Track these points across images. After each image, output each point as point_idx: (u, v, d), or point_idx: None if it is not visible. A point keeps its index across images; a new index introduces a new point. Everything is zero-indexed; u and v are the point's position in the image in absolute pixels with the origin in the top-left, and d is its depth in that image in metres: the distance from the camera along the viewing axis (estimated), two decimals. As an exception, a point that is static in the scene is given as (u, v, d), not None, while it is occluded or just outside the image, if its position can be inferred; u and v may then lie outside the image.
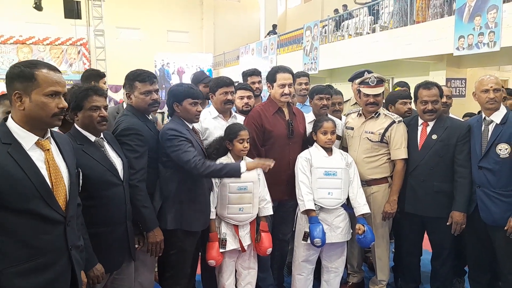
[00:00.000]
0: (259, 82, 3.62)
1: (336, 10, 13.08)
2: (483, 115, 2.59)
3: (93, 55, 16.49)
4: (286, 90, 2.80)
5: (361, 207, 2.72)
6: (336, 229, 2.73)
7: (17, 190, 1.35)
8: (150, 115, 2.45)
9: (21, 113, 1.42)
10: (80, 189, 1.70)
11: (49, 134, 1.51)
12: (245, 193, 2.58)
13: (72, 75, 15.80)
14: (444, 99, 2.87)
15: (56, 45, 16.90)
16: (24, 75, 1.41)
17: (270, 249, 2.65)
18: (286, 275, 3.24)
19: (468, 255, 2.82)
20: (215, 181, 2.56)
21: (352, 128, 3.00)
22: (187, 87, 2.47)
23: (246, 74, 3.65)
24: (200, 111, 2.48)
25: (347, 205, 2.80)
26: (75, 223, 1.59)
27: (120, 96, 11.76)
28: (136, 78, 2.31)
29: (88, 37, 17.01)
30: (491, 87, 2.49)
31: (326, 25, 11.25)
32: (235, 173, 2.29)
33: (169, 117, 2.56)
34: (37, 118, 1.43)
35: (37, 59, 1.91)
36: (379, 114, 2.91)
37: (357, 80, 3.01)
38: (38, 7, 13.00)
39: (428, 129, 2.77)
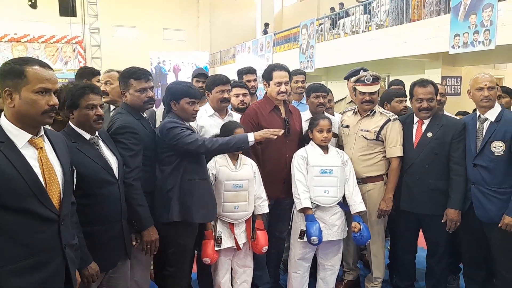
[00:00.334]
0: (255, 80, 3.61)
1: (332, 8, 13.09)
2: (478, 113, 2.60)
3: (88, 53, 16.43)
4: (283, 88, 2.79)
5: (357, 205, 2.72)
6: (332, 227, 2.73)
7: (10, 189, 1.34)
8: (145, 113, 2.44)
9: (11, 111, 1.41)
10: (74, 188, 1.68)
11: (42, 132, 1.50)
12: (241, 191, 2.58)
13: (67, 73, 15.74)
14: (438, 97, 2.87)
15: (51, 43, 16.82)
16: (14, 72, 1.40)
17: (266, 247, 2.65)
18: (282, 273, 3.25)
19: (463, 253, 2.84)
20: (210, 179, 2.55)
21: (348, 126, 3.01)
22: (185, 86, 2.46)
23: (241, 72, 3.64)
24: (197, 111, 2.47)
25: (343, 203, 2.80)
26: (70, 222, 1.58)
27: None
28: (131, 75, 2.30)
29: (83, 35, 16.95)
30: (486, 85, 2.50)
31: (322, 23, 11.25)
32: (243, 143, 2.31)
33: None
34: (27, 116, 1.42)
35: (32, 57, 1.89)
36: (375, 112, 2.91)
37: (353, 78, 3.01)
38: (33, 5, 12.92)
39: (424, 127, 2.78)
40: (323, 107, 3.12)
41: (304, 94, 3.74)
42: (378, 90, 2.92)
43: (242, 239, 2.63)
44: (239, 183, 2.58)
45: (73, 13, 13.78)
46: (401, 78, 4.18)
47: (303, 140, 2.94)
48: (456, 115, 3.54)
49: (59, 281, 1.51)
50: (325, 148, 2.80)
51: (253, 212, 2.68)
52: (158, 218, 2.31)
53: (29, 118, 1.42)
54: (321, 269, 2.89)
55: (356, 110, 3.00)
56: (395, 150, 2.80)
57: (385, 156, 2.87)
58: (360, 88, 2.88)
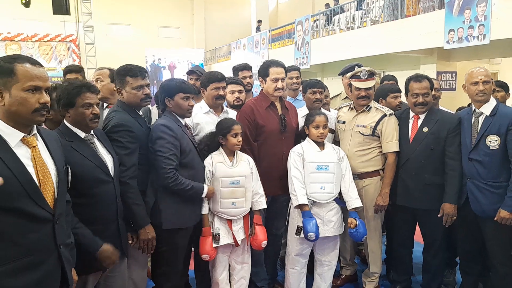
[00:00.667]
0: (250, 76, 3.60)
1: (327, 5, 13.07)
2: (473, 107, 2.61)
3: (83, 52, 16.31)
4: (280, 84, 2.78)
5: (353, 201, 2.72)
6: (328, 223, 2.73)
7: (3, 189, 1.31)
8: (141, 111, 2.43)
9: (2, 109, 1.39)
10: (69, 186, 1.67)
11: (35, 131, 1.48)
12: (238, 187, 2.57)
13: (61, 72, 15.61)
14: (433, 92, 2.88)
15: (45, 41, 16.68)
16: (3, 70, 1.38)
17: (265, 241, 2.65)
18: (279, 269, 3.25)
19: (459, 247, 2.85)
20: (206, 176, 2.55)
21: (344, 122, 3.00)
22: (178, 82, 2.46)
23: (237, 69, 3.63)
24: (192, 106, 2.47)
25: (340, 199, 2.81)
26: (65, 221, 1.56)
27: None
28: (128, 73, 2.29)
29: (77, 34, 16.82)
30: (481, 79, 2.50)
31: (317, 20, 11.25)
32: (197, 195, 2.43)
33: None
34: (18, 114, 1.40)
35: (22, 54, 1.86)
36: (371, 107, 2.91)
37: (348, 74, 3.01)
38: (26, 3, 12.80)
39: (419, 122, 2.79)
40: (320, 103, 3.11)
41: (300, 90, 3.75)
42: (374, 85, 2.92)
43: (240, 236, 2.63)
44: (236, 180, 2.57)
45: (66, 11, 13.67)
46: (396, 74, 4.18)
47: (299, 136, 2.94)
48: (456, 111, 3.54)
49: (54, 281, 1.49)
50: (321, 145, 2.80)
51: (251, 208, 2.68)
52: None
53: (20, 117, 1.40)
54: (319, 265, 2.89)
55: (352, 106, 3.00)
56: (391, 145, 2.81)
57: (381, 152, 2.87)
58: (356, 83, 2.88)
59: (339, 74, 3.70)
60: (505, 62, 9.71)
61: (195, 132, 2.77)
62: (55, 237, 1.46)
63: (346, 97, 3.67)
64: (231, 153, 2.63)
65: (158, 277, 2.47)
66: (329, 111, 3.30)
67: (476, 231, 2.63)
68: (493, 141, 2.45)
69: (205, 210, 2.54)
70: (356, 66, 3.20)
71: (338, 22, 10.42)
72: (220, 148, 2.63)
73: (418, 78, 2.78)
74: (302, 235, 2.66)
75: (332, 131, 3.11)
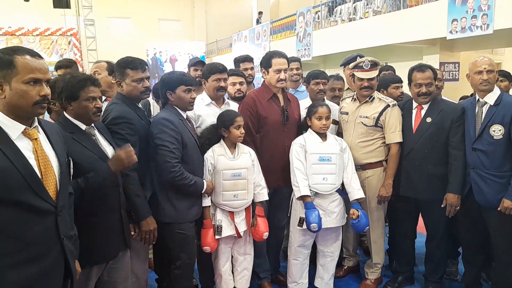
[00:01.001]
0: (252, 68, 3.58)
1: (329, -5, 12.95)
2: (477, 97, 2.58)
3: (84, 46, 16.29)
4: (282, 75, 2.76)
5: (355, 192, 2.72)
6: (331, 214, 2.73)
7: (5, 182, 1.31)
8: (140, 103, 2.42)
9: (3, 102, 1.38)
10: (71, 179, 1.66)
11: (36, 123, 1.47)
12: (240, 180, 2.57)
13: (63, 66, 15.60)
14: (435, 82, 2.85)
15: (46, 35, 16.66)
16: (3, 62, 1.36)
17: (267, 233, 2.65)
18: (282, 260, 3.26)
19: (461, 237, 2.85)
20: (208, 168, 2.54)
21: (347, 113, 2.99)
22: (179, 75, 2.44)
23: (238, 61, 3.61)
24: (194, 98, 2.46)
25: (342, 190, 2.80)
26: (67, 213, 1.56)
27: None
28: (128, 65, 2.27)
29: (78, 27, 16.78)
30: (485, 68, 2.48)
31: (319, 11, 11.15)
32: (197, 191, 2.43)
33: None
34: (19, 107, 1.39)
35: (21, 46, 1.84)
36: (374, 98, 2.89)
37: (351, 64, 2.98)
38: (26, -3, 12.77)
39: (423, 112, 2.76)
40: (323, 93, 3.09)
41: (301, 81, 3.73)
42: (377, 76, 2.90)
43: (242, 227, 2.64)
44: (237, 172, 2.57)
45: (67, 5, 13.65)
46: (399, 65, 4.16)
47: (301, 128, 2.92)
48: (458, 101, 3.51)
49: (58, 273, 1.49)
50: (323, 136, 2.78)
51: (253, 200, 2.68)
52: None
53: (21, 110, 1.39)
54: (321, 256, 2.90)
55: (355, 97, 2.98)
56: (394, 136, 2.79)
57: (384, 142, 2.86)
58: (359, 74, 2.85)
59: (341, 65, 3.67)
60: (508, 52, 9.64)
61: (197, 124, 2.76)
62: (58, 230, 1.46)
63: (348, 88, 3.65)
64: (232, 146, 2.62)
65: (175, 275, 2.44)
66: (339, 105, 3.24)
67: (479, 221, 2.62)
68: (497, 130, 2.43)
69: (206, 202, 2.54)
70: (358, 57, 3.17)
71: (340, 13, 10.33)
72: (222, 141, 2.62)
73: (421, 68, 2.75)
74: (304, 226, 2.66)
75: (335, 122, 3.09)
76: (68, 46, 16.86)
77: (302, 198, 2.66)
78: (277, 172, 2.82)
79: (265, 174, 2.73)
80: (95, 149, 1.92)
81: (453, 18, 6.71)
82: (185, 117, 2.47)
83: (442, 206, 2.67)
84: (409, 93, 2.97)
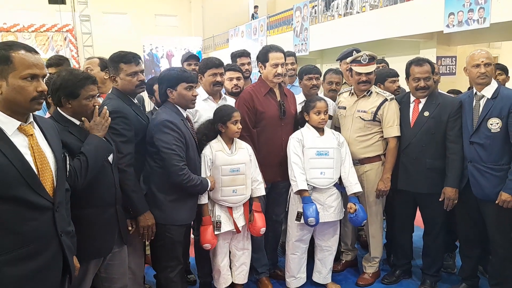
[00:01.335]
0: (249, 63, 3.56)
1: (325, -10, 12.90)
2: (475, 90, 2.58)
3: (80, 42, 16.20)
4: (279, 70, 2.75)
5: (353, 186, 2.72)
6: (329, 209, 2.73)
7: (1, 178, 1.30)
8: (135, 98, 2.40)
9: None
10: (67, 174, 1.65)
11: (31, 119, 1.46)
12: (238, 175, 2.57)
13: (59, 63, 15.49)
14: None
15: (42, 32, 16.54)
16: None
17: (264, 228, 2.65)
18: (280, 255, 3.27)
19: (459, 230, 2.85)
20: (207, 164, 2.53)
21: (345, 108, 2.98)
22: (179, 71, 2.39)
23: (235, 56, 3.59)
24: (196, 96, 2.41)
25: (340, 185, 2.80)
26: (65, 209, 1.55)
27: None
28: (121, 59, 2.25)
29: (74, 23, 16.66)
30: (482, 61, 2.47)
31: (315, 5, 11.10)
32: (204, 189, 2.42)
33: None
34: (16, 103, 1.37)
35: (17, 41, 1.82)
36: (371, 92, 2.88)
37: (349, 59, 2.97)
38: (20, -7, 12.66)
39: (420, 106, 2.76)
40: (317, 89, 3.08)
41: (297, 76, 3.71)
42: (375, 70, 2.89)
43: (240, 222, 2.63)
44: (236, 167, 2.56)
45: (62, 1, 13.54)
46: (396, 59, 4.16)
47: (297, 123, 2.92)
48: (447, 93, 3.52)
49: (56, 268, 1.49)
50: (320, 130, 2.78)
51: (250, 195, 2.67)
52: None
53: (18, 105, 1.38)
54: (319, 250, 2.90)
55: (352, 91, 2.98)
56: (392, 130, 2.79)
57: (382, 137, 2.86)
58: (356, 68, 2.84)
59: (337, 60, 3.66)
60: (505, 46, 9.63)
61: (195, 119, 2.73)
62: (55, 225, 1.46)
63: (345, 82, 3.64)
64: (229, 141, 2.61)
65: (162, 270, 2.44)
66: (335, 100, 3.23)
67: (477, 214, 2.63)
68: (494, 124, 2.43)
69: (204, 200, 2.53)
70: (354, 51, 3.16)
71: (337, 8, 10.29)
72: (219, 136, 2.61)
73: (419, 62, 2.74)
74: (302, 221, 2.66)
75: (330, 117, 3.09)
76: (64, 42, 16.74)
77: (300, 192, 2.67)
78: (274, 167, 2.82)
79: (262, 169, 2.73)
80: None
81: (450, 11, 6.70)
82: (184, 116, 2.44)
83: (440, 200, 2.67)
84: (406, 87, 2.97)
